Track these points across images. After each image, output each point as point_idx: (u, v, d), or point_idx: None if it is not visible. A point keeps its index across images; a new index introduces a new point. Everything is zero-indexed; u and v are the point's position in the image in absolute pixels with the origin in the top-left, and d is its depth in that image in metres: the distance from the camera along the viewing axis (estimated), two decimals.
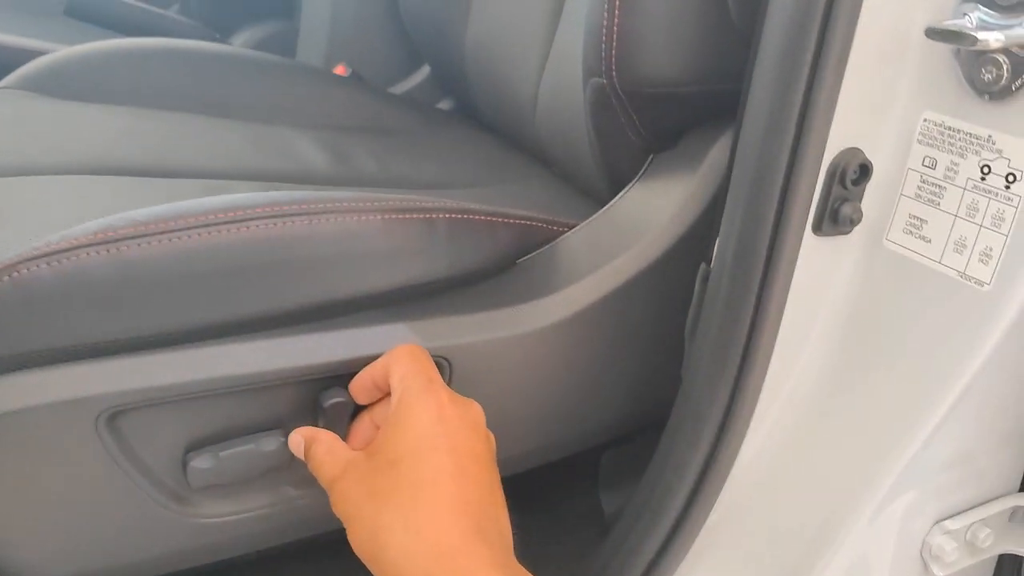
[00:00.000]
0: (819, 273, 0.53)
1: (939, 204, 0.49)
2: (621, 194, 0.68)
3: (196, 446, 0.54)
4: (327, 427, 0.55)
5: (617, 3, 0.58)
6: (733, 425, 0.56)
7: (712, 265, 0.57)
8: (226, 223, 0.52)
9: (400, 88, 1.12)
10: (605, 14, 0.59)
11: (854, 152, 0.50)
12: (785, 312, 0.53)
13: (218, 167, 0.80)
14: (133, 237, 0.50)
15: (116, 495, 0.53)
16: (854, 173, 0.50)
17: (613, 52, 0.59)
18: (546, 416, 0.64)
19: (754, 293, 0.52)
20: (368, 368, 0.55)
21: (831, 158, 0.50)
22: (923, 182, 0.50)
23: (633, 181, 0.68)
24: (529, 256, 0.66)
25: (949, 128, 0.48)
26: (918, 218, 0.50)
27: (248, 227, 0.53)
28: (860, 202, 0.51)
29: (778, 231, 0.50)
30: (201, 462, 0.54)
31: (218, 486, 0.56)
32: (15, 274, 0.49)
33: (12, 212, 0.64)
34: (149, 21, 1.15)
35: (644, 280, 0.63)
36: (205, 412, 0.54)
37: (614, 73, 0.61)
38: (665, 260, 0.63)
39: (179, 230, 0.51)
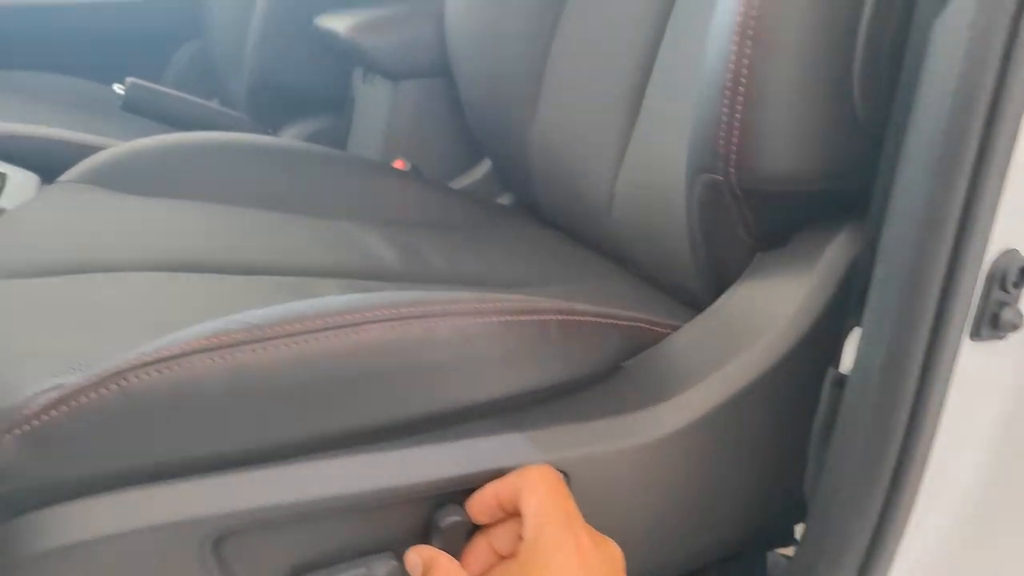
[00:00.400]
0: (975, 381, 0.50)
1: None
2: (728, 293, 0.65)
3: (303, 571, 0.50)
4: (442, 548, 0.51)
5: (740, 98, 0.56)
6: (880, 554, 0.52)
7: (851, 372, 0.53)
8: (344, 327, 0.49)
9: (460, 183, 1.11)
10: (725, 108, 0.57)
11: (1014, 255, 0.48)
12: (939, 425, 0.50)
13: (291, 263, 0.78)
14: (250, 342, 0.47)
15: None
16: (1016, 276, 0.47)
17: (733, 147, 0.57)
18: (662, 533, 0.60)
19: (908, 403, 0.49)
20: (492, 486, 0.51)
21: (991, 261, 0.47)
22: None
23: (740, 280, 0.65)
24: (634, 359, 0.63)
25: None
26: None
27: (367, 330, 0.50)
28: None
29: (936, 336, 0.47)
30: None
31: None
32: (124, 383, 0.45)
33: (98, 312, 0.61)
34: (204, 115, 1.15)
35: (761, 386, 0.60)
36: (314, 534, 0.49)
37: (732, 169, 0.59)
38: (783, 364, 0.60)
39: (297, 334, 0.48)
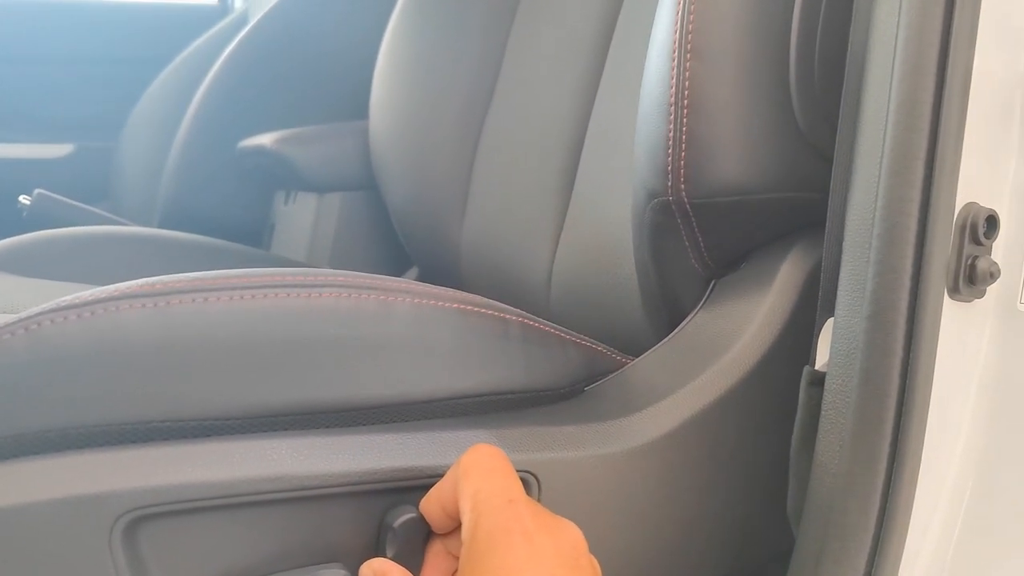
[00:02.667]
0: (959, 345, 0.48)
1: None
2: (687, 320, 0.63)
3: None
4: (398, 554, 0.43)
5: (684, 111, 0.57)
6: (889, 545, 0.47)
7: (829, 361, 0.51)
8: (297, 286, 0.44)
9: None
10: (671, 124, 0.58)
11: (975, 207, 0.48)
12: (933, 396, 0.47)
13: None
14: (189, 291, 0.41)
15: None
16: (984, 225, 0.47)
17: (681, 162, 0.57)
18: (639, 555, 0.53)
19: (896, 372, 0.47)
20: (435, 488, 0.43)
21: (957, 212, 0.47)
22: None
23: (698, 307, 0.63)
24: (598, 383, 0.59)
25: None
26: None
27: (321, 295, 0.45)
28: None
29: (918, 287, 0.46)
30: None
31: None
32: (34, 327, 0.38)
33: None
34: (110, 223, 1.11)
35: (733, 399, 0.56)
36: (249, 531, 0.41)
37: (682, 185, 0.58)
38: (754, 376, 0.57)
39: (244, 288, 0.43)
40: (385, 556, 0.44)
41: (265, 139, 1.09)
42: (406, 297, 0.48)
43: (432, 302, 0.49)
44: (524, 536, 0.38)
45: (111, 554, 0.37)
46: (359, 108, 1.09)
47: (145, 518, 0.38)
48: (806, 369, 0.54)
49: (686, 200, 0.59)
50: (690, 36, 0.57)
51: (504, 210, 0.93)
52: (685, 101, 0.58)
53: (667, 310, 0.67)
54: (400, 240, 1.06)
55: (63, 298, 0.40)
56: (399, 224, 1.05)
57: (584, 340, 0.59)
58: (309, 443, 0.42)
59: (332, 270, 0.48)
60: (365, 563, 0.43)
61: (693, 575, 0.55)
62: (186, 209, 1.22)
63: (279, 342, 0.43)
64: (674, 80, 0.58)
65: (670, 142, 0.58)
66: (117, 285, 0.41)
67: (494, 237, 0.94)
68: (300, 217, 1.11)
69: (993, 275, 0.47)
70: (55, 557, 0.36)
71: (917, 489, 0.48)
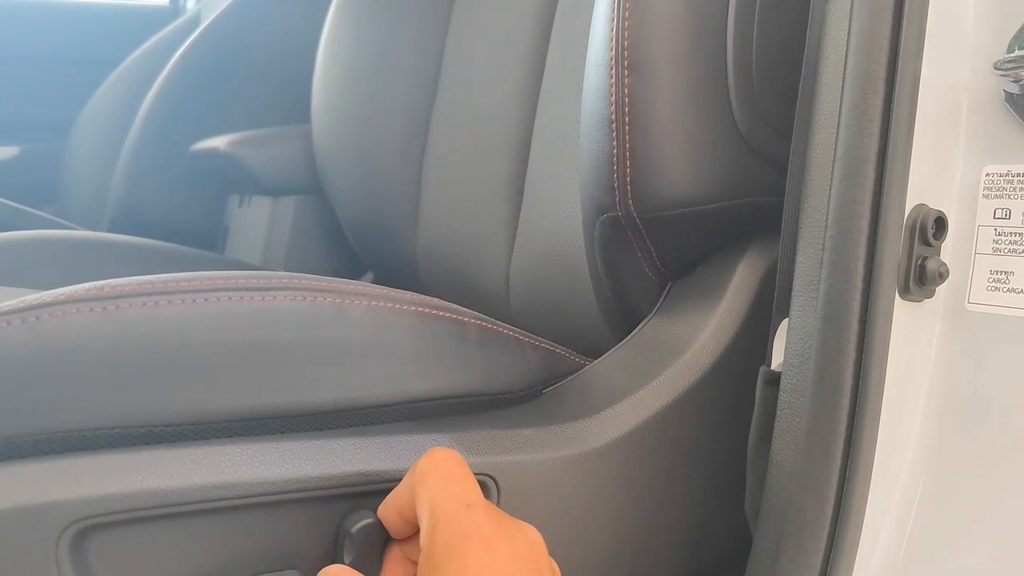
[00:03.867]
0: (911, 345, 0.49)
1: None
2: (644, 322, 0.63)
3: None
4: (356, 560, 0.43)
5: (626, 127, 0.57)
6: (844, 542, 0.48)
7: (784, 360, 0.51)
8: (251, 290, 0.43)
9: None
10: (614, 140, 0.57)
11: (924, 208, 0.49)
12: (885, 395, 0.48)
13: None
14: (139, 295, 0.40)
15: None
16: (933, 227, 0.48)
17: (628, 177, 0.57)
18: (603, 550, 0.53)
19: (850, 371, 0.47)
20: (392, 494, 0.43)
21: (908, 214, 0.48)
22: (999, 235, 0.49)
23: (654, 310, 0.64)
24: (556, 386, 0.59)
25: (1018, 174, 0.48)
26: (1002, 272, 0.48)
27: (275, 297, 0.44)
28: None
29: (870, 287, 0.47)
30: None
31: None
32: None
33: None
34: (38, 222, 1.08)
35: (691, 400, 0.57)
36: (202, 538, 0.40)
37: (630, 201, 0.58)
38: (711, 377, 0.58)
39: (196, 291, 0.42)
40: (343, 562, 0.43)
41: (219, 142, 1.07)
42: (363, 300, 0.47)
43: (389, 304, 0.49)
44: (482, 542, 0.38)
45: (57, 567, 0.36)
46: None
47: (93, 528, 0.37)
48: (762, 369, 0.55)
49: (635, 215, 0.59)
50: (626, 52, 0.57)
51: (457, 216, 0.93)
52: (626, 118, 0.57)
53: (623, 315, 0.67)
54: None
55: (6, 303, 0.39)
56: (351, 233, 1.04)
57: (542, 343, 0.59)
58: (263, 449, 0.42)
59: (287, 273, 0.47)
60: (323, 570, 0.42)
61: (651, 571, 0.56)
62: (137, 212, 1.20)
63: (232, 346, 0.42)
64: (613, 96, 0.57)
65: (615, 159, 0.58)
66: (64, 289, 0.40)
67: (450, 243, 0.93)
68: (255, 220, 1.09)
69: (942, 275, 0.48)
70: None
71: (871, 486, 0.49)
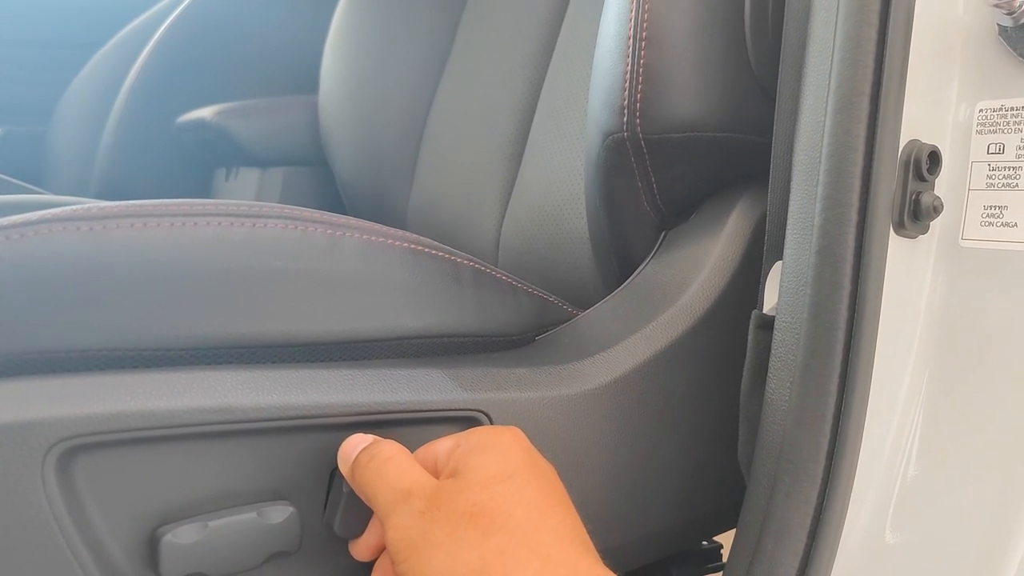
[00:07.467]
0: (905, 281, 0.49)
1: (1018, 185, 0.48)
2: (639, 270, 0.63)
3: (175, 517, 0.39)
4: (351, 491, 0.42)
5: (643, 43, 0.57)
6: (840, 476, 0.48)
7: (778, 303, 0.51)
8: (240, 216, 0.43)
9: None
10: (628, 58, 0.58)
11: (918, 144, 0.49)
12: (880, 329, 0.48)
13: None
14: (127, 216, 0.40)
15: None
16: (927, 161, 0.48)
17: (639, 95, 0.57)
18: (595, 491, 0.53)
19: (845, 304, 0.47)
20: (429, 446, 0.43)
21: (902, 149, 0.48)
22: (993, 170, 0.49)
23: (649, 258, 0.64)
24: (550, 332, 0.58)
25: (1012, 108, 0.48)
26: (996, 207, 0.48)
27: (265, 224, 0.43)
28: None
29: (864, 230, 0.47)
30: (182, 535, 0.38)
31: None
32: None
33: None
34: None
35: (685, 346, 0.56)
36: (190, 463, 0.39)
37: (638, 120, 0.58)
38: (705, 323, 0.57)
39: (184, 215, 0.41)
40: (338, 494, 0.42)
41: (205, 112, 1.06)
42: (355, 233, 0.47)
43: (382, 239, 0.48)
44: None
45: (43, 486, 0.35)
46: (300, 81, 1.07)
47: (80, 448, 0.36)
48: (754, 313, 0.55)
49: (640, 136, 0.59)
50: None
51: (452, 178, 0.92)
52: (644, 34, 0.58)
53: (618, 261, 0.67)
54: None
55: None
56: (346, 194, 1.03)
57: (536, 290, 0.59)
58: (255, 376, 0.41)
59: (278, 204, 0.46)
60: (347, 439, 0.42)
61: (645, 519, 0.55)
62: (122, 188, 1.18)
63: (221, 272, 0.41)
64: (633, 13, 0.58)
65: (627, 77, 0.58)
66: (51, 210, 0.39)
67: (440, 207, 0.93)
68: (241, 194, 1.08)
69: (937, 210, 0.48)
70: None
71: (866, 420, 0.49)
